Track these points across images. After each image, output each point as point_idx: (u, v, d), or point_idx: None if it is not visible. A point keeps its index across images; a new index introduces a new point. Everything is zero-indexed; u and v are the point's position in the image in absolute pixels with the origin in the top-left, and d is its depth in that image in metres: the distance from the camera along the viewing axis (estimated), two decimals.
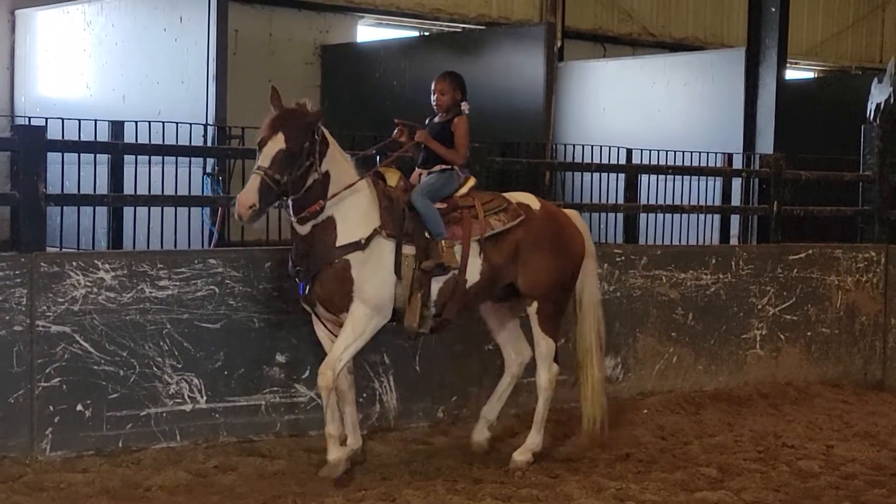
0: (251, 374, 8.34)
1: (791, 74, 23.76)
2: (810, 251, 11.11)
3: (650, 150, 14.80)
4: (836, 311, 11.21)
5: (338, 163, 7.57)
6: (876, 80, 12.55)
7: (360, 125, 15.40)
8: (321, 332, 7.82)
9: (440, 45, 17.72)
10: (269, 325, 8.39)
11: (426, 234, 7.66)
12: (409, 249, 7.60)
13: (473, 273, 7.83)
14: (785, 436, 9.21)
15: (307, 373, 8.47)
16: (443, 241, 7.67)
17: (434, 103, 8.27)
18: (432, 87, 8.28)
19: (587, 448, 8.43)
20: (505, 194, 8.30)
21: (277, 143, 7.22)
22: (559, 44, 20.39)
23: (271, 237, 10.70)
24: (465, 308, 8.05)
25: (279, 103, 7.43)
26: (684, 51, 22.24)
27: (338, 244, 7.42)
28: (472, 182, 8.19)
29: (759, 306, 10.78)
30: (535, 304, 8.13)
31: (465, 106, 8.29)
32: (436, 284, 7.71)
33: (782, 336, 10.93)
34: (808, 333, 11.07)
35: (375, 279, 7.51)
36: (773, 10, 15.46)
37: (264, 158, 7.19)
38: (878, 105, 12.18)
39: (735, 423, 9.53)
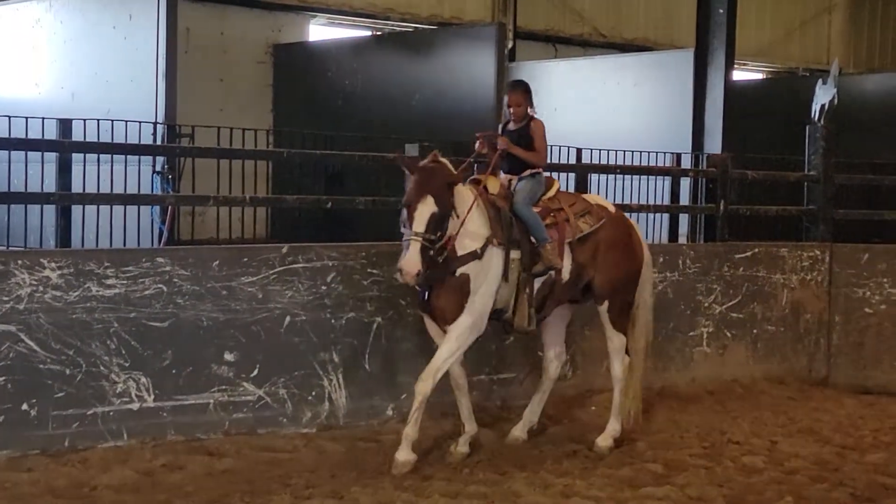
0: (199, 372, 8.32)
1: (739, 75, 24.00)
2: (756, 250, 11.22)
3: (601, 150, 14.91)
4: (782, 308, 11.32)
5: (460, 193, 7.81)
6: (820, 81, 12.68)
7: (312, 124, 15.44)
8: (434, 330, 8.12)
9: (392, 45, 17.74)
10: (217, 324, 8.38)
11: (531, 240, 8.03)
12: (514, 254, 7.99)
13: (565, 273, 8.31)
14: (730, 432, 9.30)
15: (256, 371, 8.48)
16: (547, 245, 8.03)
17: (510, 116, 8.51)
18: (506, 100, 8.53)
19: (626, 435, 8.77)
20: (584, 196, 8.78)
21: (428, 206, 7.44)
22: (511, 44, 20.51)
23: (222, 236, 10.69)
24: (557, 305, 8.52)
25: (415, 164, 7.68)
26: (635, 51, 22.41)
27: (458, 254, 7.71)
28: (556, 185, 8.56)
29: (706, 304, 10.88)
30: (606, 303, 8.59)
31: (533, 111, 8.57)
32: (535, 285, 8.14)
33: (729, 334, 11.03)
34: (754, 331, 11.18)
35: (485, 290, 7.90)
36: (721, 11, 15.60)
37: (418, 223, 7.41)
38: (822, 106, 12.31)
39: (681, 419, 9.61)
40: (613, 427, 8.70)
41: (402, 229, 7.59)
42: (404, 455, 7.83)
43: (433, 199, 7.44)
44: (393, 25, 20.64)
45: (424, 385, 7.85)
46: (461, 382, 8.28)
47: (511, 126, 8.55)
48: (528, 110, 8.50)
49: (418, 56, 16.36)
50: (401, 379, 9.16)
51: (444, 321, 7.94)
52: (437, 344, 8.09)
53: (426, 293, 7.87)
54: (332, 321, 8.85)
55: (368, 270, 9.02)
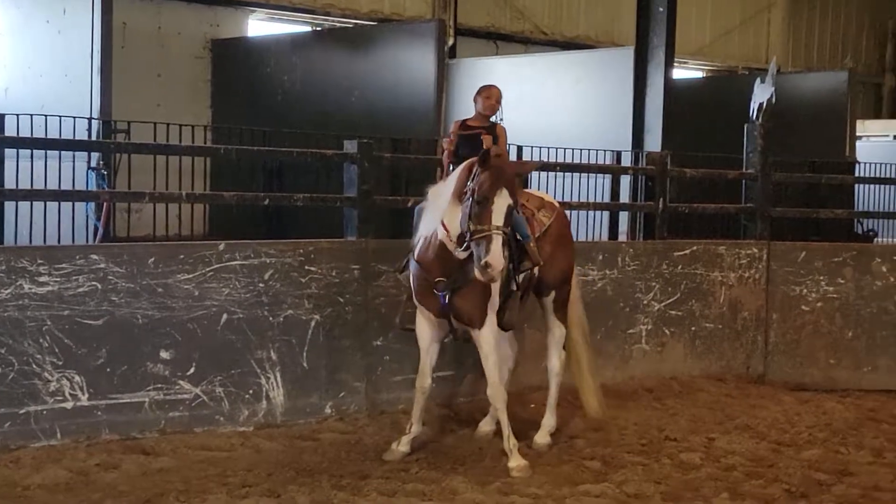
0: (134, 370, 8.23)
1: (680, 74, 24.16)
2: (695, 247, 11.28)
3: (541, 148, 14.93)
4: (720, 306, 11.38)
5: None
6: (759, 79, 12.79)
7: (250, 120, 15.33)
8: (426, 331, 8.12)
9: (332, 41, 17.64)
10: (153, 322, 8.29)
11: (517, 237, 7.99)
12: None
13: (537, 269, 8.38)
14: (668, 429, 9.33)
15: (192, 369, 8.41)
16: (531, 243, 8.07)
17: (488, 106, 8.56)
18: (487, 93, 8.60)
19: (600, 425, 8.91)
20: (530, 192, 8.90)
21: (504, 199, 7.34)
22: (451, 41, 20.48)
23: (159, 233, 10.58)
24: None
25: (490, 157, 7.45)
26: (575, 49, 22.47)
27: None
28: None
29: (645, 302, 10.92)
30: (552, 294, 8.71)
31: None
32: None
33: (667, 331, 11.08)
34: (693, 328, 11.23)
35: (496, 290, 7.90)
36: (661, 10, 15.63)
37: (498, 216, 7.29)
38: (760, 104, 12.42)
39: (620, 416, 9.63)
40: (549, 422, 8.75)
41: (463, 224, 7.37)
42: (515, 462, 7.91)
43: (507, 192, 7.37)
44: (333, 21, 20.54)
45: (500, 396, 8.01)
46: (426, 385, 8.23)
47: (473, 124, 8.60)
48: (498, 112, 8.62)
49: (358, 52, 16.29)
50: (339, 377, 9.13)
51: (466, 323, 7.94)
52: (422, 343, 8.13)
53: (446, 297, 7.81)
54: (270, 319, 8.79)
55: (307, 268, 8.97)
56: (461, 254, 7.64)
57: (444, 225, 7.67)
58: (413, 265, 8.04)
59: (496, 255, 7.19)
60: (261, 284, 8.76)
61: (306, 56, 16.99)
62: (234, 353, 8.62)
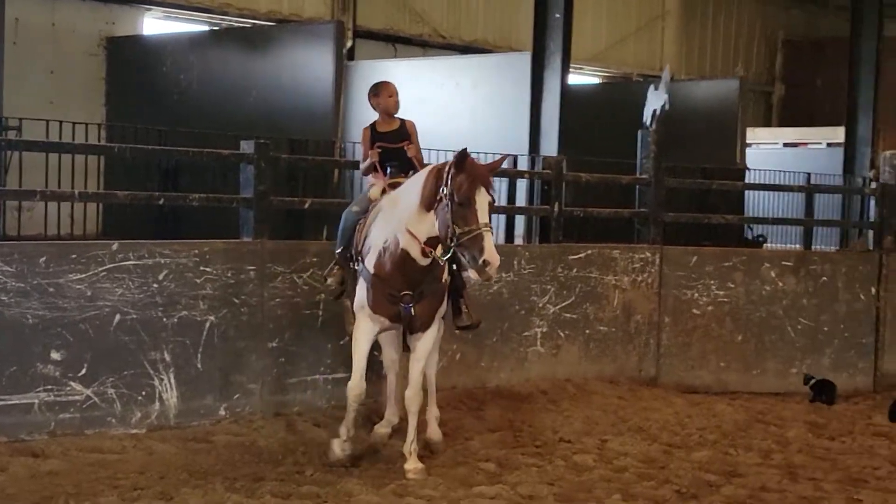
0: (24, 371, 8.10)
1: (577, 79, 24.39)
2: (589, 251, 11.40)
3: (439, 150, 14.93)
4: (614, 309, 11.52)
5: None
6: (652, 86, 12.99)
7: (146, 119, 15.12)
8: (368, 338, 8.04)
9: (229, 41, 17.49)
10: (43, 322, 8.16)
11: None
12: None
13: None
14: (562, 431, 9.44)
15: (83, 370, 8.29)
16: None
17: (386, 106, 8.59)
18: (384, 91, 8.61)
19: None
20: None
21: (485, 196, 7.39)
22: (350, 43, 20.44)
23: (51, 232, 10.40)
24: None
25: (467, 158, 7.46)
26: (473, 53, 22.56)
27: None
28: None
29: (541, 305, 11.00)
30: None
31: None
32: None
33: (562, 334, 11.18)
34: (587, 331, 11.35)
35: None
36: (558, 16, 15.79)
37: (483, 214, 7.32)
38: (654, 111, 12.61)
39: (515, 418, 9.71)
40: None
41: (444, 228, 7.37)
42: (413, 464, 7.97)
43: (485, 190, 7.42)
44: (230, 21, 20.35)
45: (419, 398, 8.07)
46: (363, 390, 8.11)
47: (383, 128, 8.62)
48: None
49: (256, 52, 16.17)
50: (234, 378, 9.06)
51: (421, 328, 7.96)
52: (365, 351, 8.05)
53: (412, 307, 7.82)
54: (164, 319, 8.70)
55: (202, 268, 8.89)
56: (425, 261, 7.67)
57: (410, 233, 7.61)
58: (366, 275, 7.94)
59: (494, 252, 7.22)
60: (155, 285, 8.66)
61: (203, 55, 16.81)
62: (127, 354, 8.52)
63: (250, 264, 9.19)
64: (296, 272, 9.39)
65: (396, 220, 7.71)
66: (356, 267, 8.15)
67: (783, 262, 12.28)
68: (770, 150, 25.22)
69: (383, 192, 8.31)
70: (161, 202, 10.62)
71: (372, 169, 8.55)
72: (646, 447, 9.10)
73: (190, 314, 8.83)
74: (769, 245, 18.80)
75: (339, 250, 8.46)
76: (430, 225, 7.52)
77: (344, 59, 16.22)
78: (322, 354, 9.52)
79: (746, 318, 12.03)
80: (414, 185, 7.70)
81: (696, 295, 11.86)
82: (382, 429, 8.82)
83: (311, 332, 9.45)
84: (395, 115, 8.65)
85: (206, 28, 20.07)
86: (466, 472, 8.04)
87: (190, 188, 12.17)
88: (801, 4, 31.13)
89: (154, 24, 19.91)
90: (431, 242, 7.60)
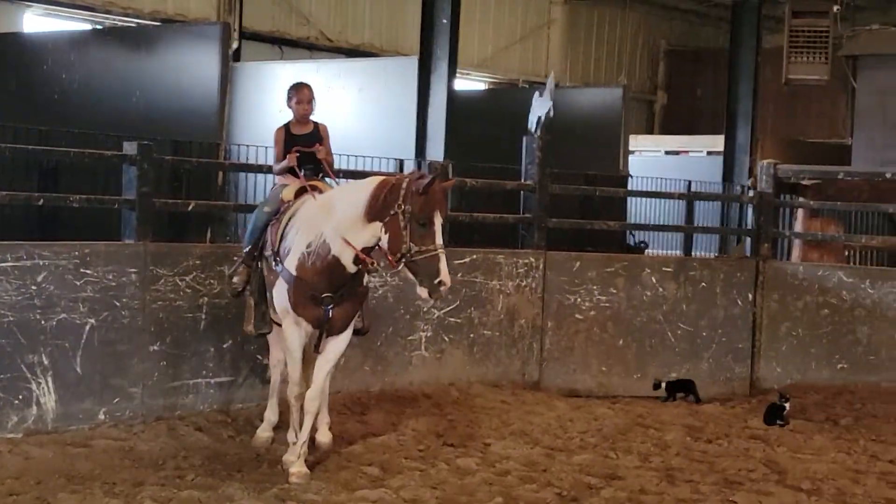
0: None
1: (464, 85, 24.53)
2: (474, 256, 11.46)
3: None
4: (498, 314, 11.59)
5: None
6: (537, 93, 13.08)
7: (25, 118, 14.81)
8: (297, 340, 8.05)
9: (112, 40, 17.20)
10: None
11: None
12: None
13: None
14: (446, 435, 9.47)
15: None
16: None
17: (304, 112, 8.69)
18: (301, 95, 8.68)
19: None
20: None
21: (440, 219, 7.64)
22: (236, 44, 20.27)
23: None
24: None
25: (436, 181, 7.66)
26: (360, 57, 22.54)
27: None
28: None
29: (425, 309, 11.02)
30: None
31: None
32: None
33: (446, 338, 11.23)
34: (471, 335, 11.41)
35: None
36: (445, 21, 15.85)
37: (440, 236, 7.61)
38: (539, 118, 12.69)
39: (399, 422, 9.72)
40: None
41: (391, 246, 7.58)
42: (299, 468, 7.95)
43: (441, 212, 7.66)
44: (114, 20, 20.06)
45: (319, 400, 8.10)
46: (302, 392, 8.14)
47: (298, 130, 8.68)
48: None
49: (140, 53, 15.94)
50: (114, 382, 8.94)
51: (338, 331, 8.03)
52: (298, 354, 8.10)
53: (331, 309, 7.87)
54: (42, 322, 8.55)
55: (82, 270, 8.76)
56: (353, 269, 7.82)
57: (346, 241, 7.70)
58: (287, 276, 7.94)
59: (447, 274, 7.50)
60: (33, 287, 8.51)
61: (86, 54, 16.52)
62: (3, 356, 8.36)
63: (132, 267, 9.07)
64: (179, 275, 9.30)
65: (330, 225, 7.77)
66: (275, 266, 8.11)
67: (664, 268, 12.49)
68: (652, 158, 25.66)
69: (297, 193, 8.36)
70: (41, 203, 10.44)
71: (286, 170, 8.57)
72: (528, 451, 9.18)
73: (69, 317, 8.69)
74: (651, 251, 19.10)
75: (248, 249, 8.44)
76: (369, 235, 7.69)
77: (229, 61, 16.05)
78: (205, 358, 9.44)
79: (628, 323, 12.22)
80: (354, 194, 7.79)
81: (579, 300, 12.00)
82: (265, 433, 8.80)
83: (194, 336, 9.37)
84: (313, 120, 8.78)
85: (88, 27, 19.75)
86: (349, 477, 8.03)
87: (71, 189, 11.96)
88: (682, 15, 31.68)
89: (35, 22, 19.53)
90: (367, 252, 7.77)
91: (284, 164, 8.55)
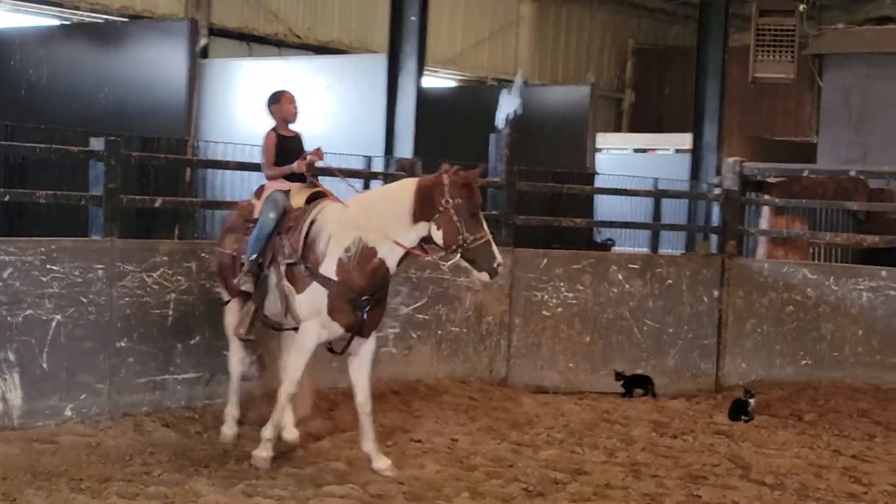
0: None
1: (432, 82, 24.55)
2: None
3: None
4: (465, 311, 11.62)
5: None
6: (505, 91, 13.15)
7: None
8: (315, 342, 8.26)
9: (80, 35, 17.15)
10: None
11: None
12: None
13: None
14: (413, 431, 9.50)
15: None
16: None
17: (291, 116, 8.80)
18: (288, 96, 8.79)
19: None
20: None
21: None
22: (204, 41, 20.23)
23: None
24: None
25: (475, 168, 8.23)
26: (329, 54, 22.53)
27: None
28: None
29: (393, 306, 11.01)
30: None
31: None
32: None
33: (414, 335, 11.25)
34: (439, 332, 11.44)
35: None
36: (413, 18, 15.89)
37: (484, 223, 8.09)
38: (507, 115, 12.76)
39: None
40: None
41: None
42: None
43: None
44: (82, 15, 19.99)
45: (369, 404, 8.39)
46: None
47: (286, 134, 8.75)
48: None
49: (108, 48, 15.91)
50: (81, 378, 8.93)
51: (368, 333, 8.24)
52: (310, 357, 8.32)
53: (367, 312, 8.07)
54: (9, 318, 8.53)
55: (48, 266, 8.74)
56: (394, 270, 8.13)
57: (397, 243, 7.96)
58: (326, 282, 8.03)
59: (499, 255, 8.05)
60: None
61: (54, 50, 16.47)
62: None
63: (98, 263, 9.05)
64: (146, 271, 9.29)
65: (372, 229, 7.97)
66: (305, 274, 8.13)
67: (630, 265, 12.57)
68: (620, 156, 25.74)
69: (308, 200, 8.45)
70: (6, 199, 10.41)
71: (286, 175, 8.62)
72: (495, 446, 9.23)
73: (35, 313, 8.66)
74: (618, 248, 19.19)
75: (254, 257, 8.38)
76: (415, 235, 8.02)
77: (197, 57, 16.05)
78: (172, 354, 9.44)
79: (594, 320, 12.28)
80: (395, 197, 8.07)
81: (546, 297, 12.05)
82: (230, 430, 8.80)
83: (161, 332, 9.37)
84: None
85: (56, 23, 19.66)
86: (316, 472, 8.05)
87: (38, 185, 11.93)
88: (650, 13, 31.81)
89: (2, 18, 19.44)
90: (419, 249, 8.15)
91: (293, 168, 8.58)
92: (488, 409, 10.56)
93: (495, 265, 7.98)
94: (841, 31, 24.71)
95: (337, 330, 8.15)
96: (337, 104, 17.15)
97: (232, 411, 8.88)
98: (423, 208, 7.93)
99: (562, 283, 12.11)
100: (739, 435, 10.17)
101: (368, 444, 8.33)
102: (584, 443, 9.56)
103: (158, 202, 10.34)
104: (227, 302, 8.87)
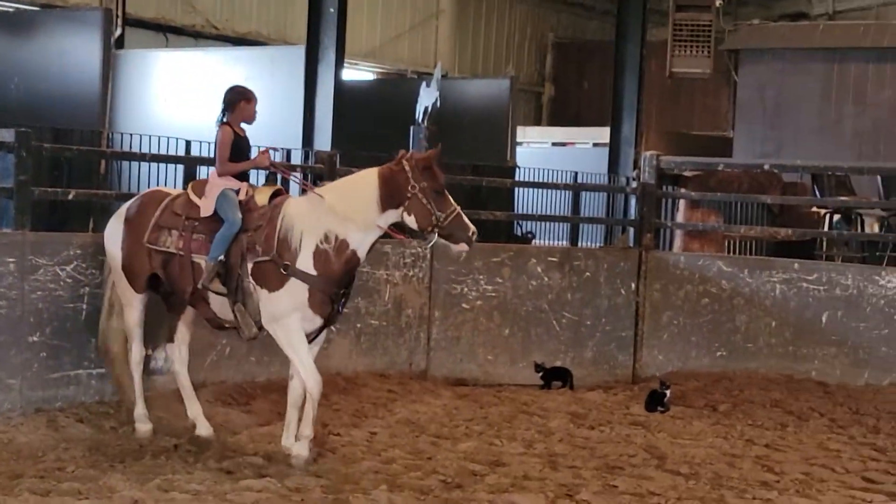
0: None
1: (352, 75, 24.48)
2: None
3: (210, 143, 14.76)
4: (385, 304, 11.60)
5: None
6: (424, 83, 13.16)
7: None
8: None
9: None
10: None
11: None
12: None
13: None
14: (332, 424, 9.47)
15: None
16: None
17: (253, 118, 8.80)
18: (254, 99, 8.74)
19: None
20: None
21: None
22: (119, 31, 19.96)
23: None
24: None
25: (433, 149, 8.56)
26: (247, 45, 22.38)
27: None
28: None
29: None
30: None
31: None
32: None
33: (333, 328, 11.15)
34: (358, 325, 11.40)
35: None
36: (332, 10, 15.83)
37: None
38: (425, 108, 12.77)
39: (285, 412, 9.63)
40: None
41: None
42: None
43: None
44: None
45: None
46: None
47: (238, 131, 8.73)
48: None
49: (19, 38, 15.66)
50: None
51: (333, 323, 8.50)
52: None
53: (342, 302, 8.29)
54: None
55: None
56: (363, 260, 8.36)
57: (380, 227, 8.21)
58: (305, 277, 8.10)
59: (471, 224, 8.24)
60: None
61: None
62: None
63: (10, 256, 8.89)
64: (59, 265, 9.15)
65: (341, 221, 8.10)
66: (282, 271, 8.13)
67: (549, 258, 12.61)
68: (540, 149, 25.87)
69: (271, 197, 8.45)
70: None
71: (238, 171, 8.61)
72: (413, 439, 9.23)
73: None
74: (538, 241, 19.27)
75: (221, 258, 8.30)
76: (384, 223, 8.24)
77: (112, 48, 15.85)
78: (86, 349, 9.30)
79: (514, 313, 12.31)
80: (360, 190, 8.19)
81: (466, 289, 12.06)
82: (144, 425, 8.70)
83: (75, 326, 9.23)
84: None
85: None
86: (233, 466, 7.99)
87: None
88: (569, 7, 32.02)
89: None
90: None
91: (257, 162, 8.65)
92: (407, 403, 10.55)
93: (470, 234, 8.21)
94: (756, 27, 25.09)
95: (317, 322, 8.28)
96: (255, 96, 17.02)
97: (140, 409, 8.76)
98: (391, 196, 8.14)
99: (481, 276, 12.13)
100: (655, 425, 10.27)
101: (289, 440, 8.31)
102: (502, 435, 9.59)
103: (72, 194, 10.16)
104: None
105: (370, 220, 8.15)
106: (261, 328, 8.39)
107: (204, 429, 8.70)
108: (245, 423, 9.24)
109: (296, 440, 8.35)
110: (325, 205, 8.16)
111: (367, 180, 8.22)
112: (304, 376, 8.29)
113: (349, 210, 8.12)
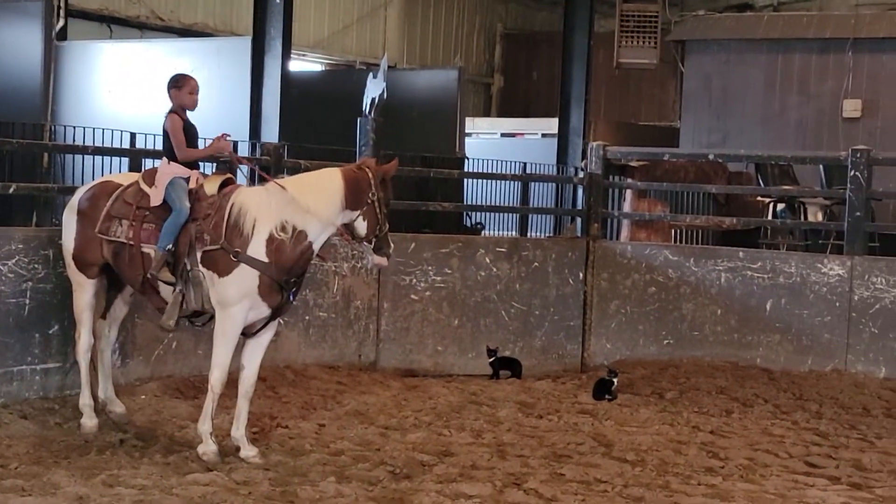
0: None
1: (299, 66, 24.35)
2: None
3: (155, 135, 14.63)
4: (333, 296, 11.59)
5: None
6: (371, 75, 13.12)
7: None
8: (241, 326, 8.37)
9: None
10: None
11: None
12: None
13: None
14: (280, 417, 9.46)
15: None
16: None
17: (193, 105, 8.77)
18: (189, 86, 8.69)
19: None
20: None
21: None
22: (62, 22, 19.72)
23: None
24: None
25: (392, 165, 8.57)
26: (193, 37, 22.20)
27: None
28: None
29: None
30: None
31: None
32: None
33: (282, 320, 11.10)
34: (307, 318, 11.38)
35: None
36: (278, 1, 15.74)
37: None
38: (373, 99, 12.73)
39: (233, 405, 9.53)
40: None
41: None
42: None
43: None
44: None
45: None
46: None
47: (185, 118, 8.70)
48: None
49: None
50: None
51: (282, 315, 8.62)
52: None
53: (295, 291, 8.42)
54: None
55: None
56: (317, 251, 8.44)
57: (336, 226, 8.27)
58: (256, 264, 8.10)
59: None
60: None
61: None
62: None
63: None
64: (1, 259, 9.05)
65: (303, 213, 8.12)
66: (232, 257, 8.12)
67: (497, 249, 12.65)
68: (489, 140, 25.86)
69: (221, 186, 8.46)
70: None
71: (200, 157, 8.79)
72: (362, 430, 9.23)
73: None
74: (487, 232, 19.28)
75: (170, 247, 8.28)
76: (340, 221, 8.29)
77: (53, 40, 15.67)
78: (30, 344, 9.21)
79: (463, 303, 12.34)
80: (326, 186, 8.24)
81: (415, 281, 12.07)
82: (90, 420, 8.65)
83: (18, 322, 9.14)
84: None
85: None
86: (180, 461, 7.97)
87: None
88: None
89: None
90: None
91: (219, 147, 8.73)
92: (356, 394, 10.55)
93: (390, 251, 8.47)
94: (702, 18, 25.23)
95: (264, 311, 8.29)
96: (201, 88, 16.86)
97: (86, 401, 8.72)
98: (353, 199, 8.22)
99: (430, 268, 12.14)
100: (603, 414, 10.33)
101: (240, 431, 8.31)
102: (451, 425, 9.61)
103: (13, 188, 10.06)
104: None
105: (331, 217, 8.21)
106: (178, 323, 8.49)
107: (118, 406, 8.86)
108: (192, 416, 9.18)
109: (237, 449, 8.32)
110: (285, 195, 8.16)
111: (332, 178, 8.28)
112: (213, 367, 8.34)
113: (313, 204, 8.15)
